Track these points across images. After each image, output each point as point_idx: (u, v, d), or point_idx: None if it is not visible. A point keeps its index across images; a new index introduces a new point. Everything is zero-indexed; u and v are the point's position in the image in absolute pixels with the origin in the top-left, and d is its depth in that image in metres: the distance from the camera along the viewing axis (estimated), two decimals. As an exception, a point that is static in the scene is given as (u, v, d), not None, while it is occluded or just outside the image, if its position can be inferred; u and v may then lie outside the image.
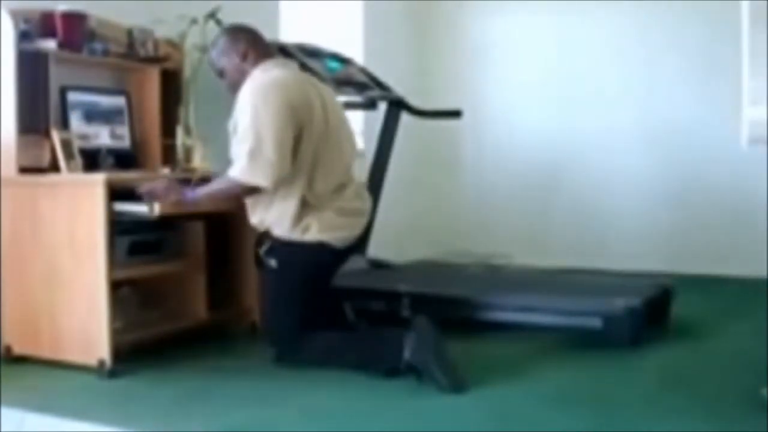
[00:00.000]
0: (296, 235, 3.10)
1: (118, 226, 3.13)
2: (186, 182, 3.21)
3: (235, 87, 3.17)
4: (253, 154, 2.97)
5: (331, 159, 3.14)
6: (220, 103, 3.19)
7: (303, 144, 3.06)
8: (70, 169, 3.20)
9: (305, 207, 3.09)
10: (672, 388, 2.89)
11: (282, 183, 3.04)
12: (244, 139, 3.00)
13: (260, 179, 2.99)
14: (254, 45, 3.22)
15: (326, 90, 3.34)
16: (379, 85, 4.43)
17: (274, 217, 3.12)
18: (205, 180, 3.21)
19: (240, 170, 3.01)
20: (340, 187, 3.19)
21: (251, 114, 3.01)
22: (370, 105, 4.32)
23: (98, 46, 3.43)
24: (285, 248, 3.14)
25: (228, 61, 3.22)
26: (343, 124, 3.29)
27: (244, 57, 3.19)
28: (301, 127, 3.05)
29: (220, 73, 3.27)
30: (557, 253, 5.46)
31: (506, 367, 3.13)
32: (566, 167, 5.67)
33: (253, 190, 3.05)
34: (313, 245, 3.10)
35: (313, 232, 3.09)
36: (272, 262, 3.18)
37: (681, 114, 5.37)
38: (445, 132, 5.54)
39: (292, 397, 2.80)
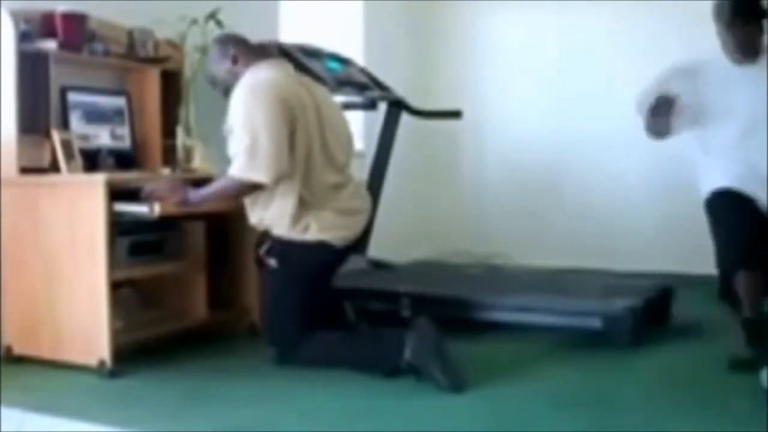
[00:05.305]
0: (296, 235, 3.11)
1: (118, 226, 3.13)
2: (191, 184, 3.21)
3: (228, 91, 3.18)
4: (251, 152, 2.98)
5: (324, 158, 3.15)
6: (220, 104, 3.19)
7: (297, 140, 3.07)
8: (71, 169, 3.20)
9: (303, 206, 3.10)
10: (672, 388, 2.89)
11: (281, 180, 3.04)
12: (240, 139, 3.01)
13: (260, 176, 2.99)
14: (243, 49, 3.25)
15: (320, 90, 3.35)
16: (379, 85, 4.42)
17: (273, 217, 3.12)
18: (204, 181, 3.22)
19: (239, 168, 3.01)
20: (338, 187, 3.19)
21: (244, 114, 3.02)
22: (370, 105, 4.32)
23: (98, 46, 3.43)
24: (285, 248, 3.14)
25: (219, 67, 3.25)
26: (338, 124, 3.29)
27: (234, 60, 3.22)
28: (294, 123, 3.06)
29: (212, 81, 3.31)
30: (557, 253, 5.45)
31: (506, 367, 3.13)
32: (566, 167, 5.66)
33: (254, 188, 3.06)
34: (314, 244, 3.10)
35: (313, 231, 3.09)
36: (273, 262, 3.18)
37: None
38: (445, 132, 5.53)
39: (292, 397, 2.80)
